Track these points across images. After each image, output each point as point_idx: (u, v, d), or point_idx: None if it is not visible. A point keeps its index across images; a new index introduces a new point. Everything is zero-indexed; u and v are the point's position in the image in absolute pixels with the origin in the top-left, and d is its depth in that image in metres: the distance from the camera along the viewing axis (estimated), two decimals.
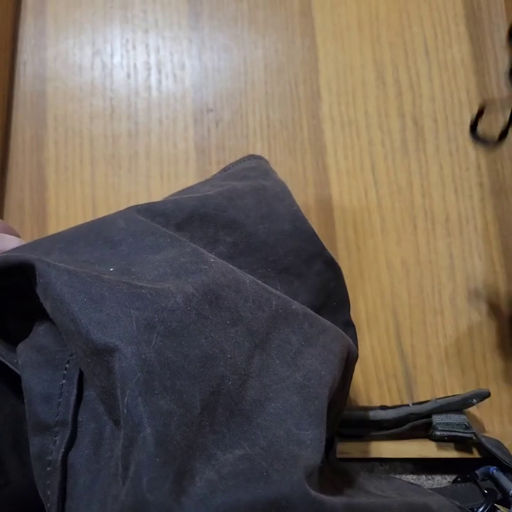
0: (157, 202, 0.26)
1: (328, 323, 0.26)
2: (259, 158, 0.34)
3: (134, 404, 0.17)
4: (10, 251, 0.23)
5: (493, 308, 0.41)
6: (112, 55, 0.46)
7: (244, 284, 0.23)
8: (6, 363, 0.21)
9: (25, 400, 0.19)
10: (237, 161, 0.34)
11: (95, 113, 0.45)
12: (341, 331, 0.26)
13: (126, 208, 0.26)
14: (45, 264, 0.20)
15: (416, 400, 0.39)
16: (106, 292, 0.19)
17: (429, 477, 0.37)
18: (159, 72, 0.46)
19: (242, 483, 0.17)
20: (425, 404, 0.35)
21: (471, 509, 0.31)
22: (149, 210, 0.25)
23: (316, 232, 0.29)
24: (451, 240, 0.42)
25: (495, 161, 0.43)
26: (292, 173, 0.44)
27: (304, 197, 0.43)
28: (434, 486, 0.36)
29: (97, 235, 0.24)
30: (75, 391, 0.19)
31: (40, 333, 0.21)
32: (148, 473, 0.16)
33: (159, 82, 0.46)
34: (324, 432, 0.21)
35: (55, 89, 0.46)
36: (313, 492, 0.17)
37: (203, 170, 0.44)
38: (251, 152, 0.44)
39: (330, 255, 0.29)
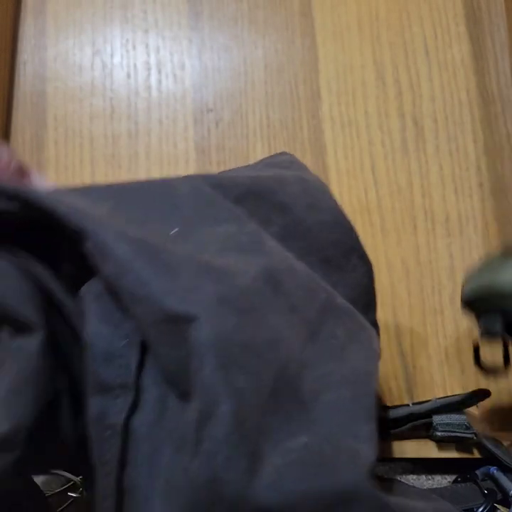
0: (217, 174, 0.26)
1: (364, 320, 0.26)
2: (292, 155, 0.34)
3: (213, 377, 0.16)
4: (62, 198, 0.20)
5: None
6: (111, 55, 0.46)
7: (298, 272, 0.23)
8: (69, 315, 0.20)
9: (85, 356, 0.18)
10: (273, 155, 0.34)
11: (95, 113, 0.45)
12: (374, 332, 0.26)
13: (190, 175, 0.25)
14: (104, 230, 0.18)
15: (416, 400, 0.39)
16: (180, 261, 0.19)
17: (429, 477, 0.37)
18: (159, 72, 0.46)
19: (309, 471, 0.17)
20: (425, 404, 0.35)
21: (471, 509, 0.31)
22: (212, 180, 0.25)
23: None
24: (451, 240, 0.42)
25: (495, 160, 0.43)
26: None
27: None
28: (434, 486, 0.36)
29: (158, 192, 0.23)
30: (137, 353, 0.18)
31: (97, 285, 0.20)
32: (224, 450, 0.16)
33: (159, 82, 0.46)
34: (376, 429, 0.20)
35: (55, 89, 0.46)
36: (377, 489, 0.17)
37: (203, 170, 0.44)
38: (251, 152, 0.44)
39: (364, 251, 0.29)
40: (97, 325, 0.18)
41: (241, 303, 0.19)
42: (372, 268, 0.30)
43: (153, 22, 0.47)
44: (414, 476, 0.37)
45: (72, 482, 0.35)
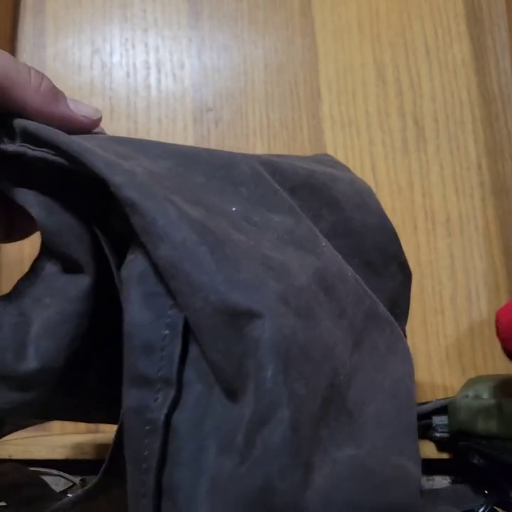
0: (277, 161, 0.24)
1: (401, 332, 0.25)
2: (334, 157, 0.34)
3: (274, 380, 0.15)
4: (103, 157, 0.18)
5: (494, 308, 0.41)
6: (111, 54, 0.46)
7: (347, 276, 0.22)
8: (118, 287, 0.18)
9: (125, 344, 0.17)
10: (314, 155, 0.33)
11: None
12: (407, 344, 0.25)
13: (249, 155, 0.24)
14: (162, 206, 0.17)
15: (416, 400, 0.39)
16: (241, 255, 0.17)
17: (430, 478, 0.37)
18: (159, 71, 0.46)
19: (360, 486, 0.16)
20: (425, 405, 0.35)
21: (471, 510, 0.31)
22: (271, 165, 0.23)
23: None
24: (451, 240, 0.42)
25: (496, 160, 0.43)
26: None
27: None
28: (435, 487, 0.36)
29: (217, 163, 0.22)
30: (179, 345, 0.17)
31: (139, 263, 0.18)
32: (280, 458, 0.15)
33: (159, 81, 0.46)
34: (418, 447, 0.20)
35: None
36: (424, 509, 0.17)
37: None
38: (251, 152, 0.44)
39: (405, 260, 0.28)
40: (137, 313, 0.17)
41: (300, 304, 0.18)
42: (411, 279, 0.29)
43: (152, 21, 0.47)
44: None
45: (72, 484, 0.35)
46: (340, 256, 0.23)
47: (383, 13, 0.46)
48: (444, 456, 0.35)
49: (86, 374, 0.21)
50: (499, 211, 0.42)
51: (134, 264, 0.17)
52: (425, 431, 0.35)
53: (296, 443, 0.15)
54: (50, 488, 0.26)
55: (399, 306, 0.29)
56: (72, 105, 0.23)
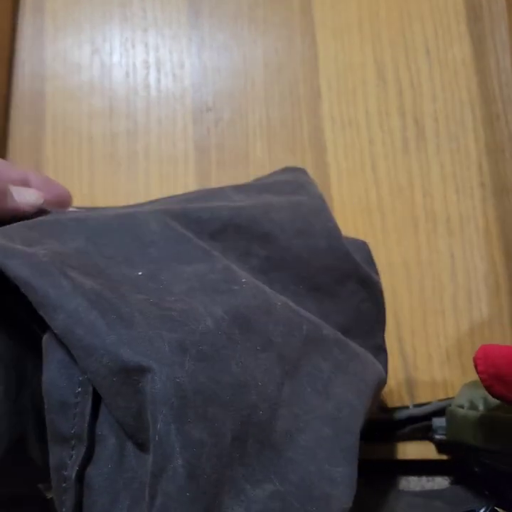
0: (191, 207, 0.25)
1: (359, 349, 0.25)
2: (297, 170, 0.33)
3: (166, 431, 0.16)
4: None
5: (495, 309, 0.41)
6: (110, 54, 0.46)
7: (275, 307, 0.22)
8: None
9: (44, 403, 0.18)
10: (274, 172, 0.33)
11: (94, 112, 0.45)
12: (372, 358, 0.25)
13: (158, 211, 0.24)
14: (56, 283, 0.18)
15: (416, 401, 0.39)
16: (135, 313, 0.18)
17: (430, 478, 0.37)
18: (158, 70, 0.46)
19: None
20: (425, 406, 0.35)
21: (472, 511, 0.31)
22: (184, 217, 0.24)
23: None
24: (452, 240, 0.42)
25: (496, 160, 0.43)
26: None
27: None
28: (435, 488, 0.36)
29: (127, 230, 0.22)
30: (90, 401, 0.18)
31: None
32: (176, 507, 0.15)
33: (158, 81, 0.45)
34: (356, 470, 0.20)
35: (54, 89, 0.46)
36: None
37: (202, 169, 0.44)
38: (251, 151, 0.44)
39: (366, 274, 0.28)
40: (53, 373, 0.18)
41: (201, 349, 0.18)
42: (377, 291, 0.29)
43: (152, 20, 0.47)
44: (415, 477, 0.37)
45: None
46: (268, 289, 0.23)
47: (383, 12, 0.46)
48: (445, 457, 0.35)
49: (28, 448, 0.21)
50: (500, 211, 0.42)
51: (49, 333, 0.18)
52: (425, 432, 0.35)
53: (194, 490, 0.15)
54: None
55: (366, 320, 0.28)
56: (16, 195, 0.23)
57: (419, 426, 0.35)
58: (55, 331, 0.17)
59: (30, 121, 0.45)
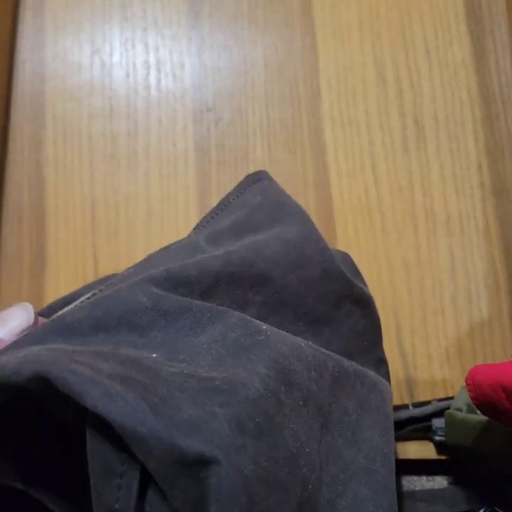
0: (175, 268, 0.22)
1: (371, 373, 0.24)
2: (258, 177, 0.30)
3: None
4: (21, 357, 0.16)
5: (495, 309, 0.41)
6: (111, 54, 0.46)
7: (303, 349, 0.20)
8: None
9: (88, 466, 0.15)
10: (237, 190, 0.29)
11: (94, 112, 0.45)
12: (380, 378, 0.24)
13: (140, 280, 0.21)
14: (76, 377, 0.15)
15: (416, 401, 0.39)
16: (175, 392, 0.15)
17: (430, 478, 0.36)
18: (158, 71, 0.46)
19: None
20: (425, 407, 0.35)
21: (471, 511, 0.31)
22: (169, 280, 0.21)
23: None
24: (452, 240, 0.42)
25: (496, 160, 0.43)
26: (292, 173, 0.44)
27: (304, 197, 0.43)
28: (435, 487, 0.36)
29: (118, 320, 0.19)
30: (138, 473, 0.15)
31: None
32: None
33: (158, 81, 0.45)
34: None
35: (54, 88, 0.46)
36: None
37: (202, 169, 0.44)
38: (251, 151, 0.44)
39: (359, 291, 0.27)
40: (97, 443, 0.15)
41: (258, 419, 0.16)
42: (370, 306, 0.28)
43: (152, 21, 0.47)
44: (415, 477, 0.37)
45: None
46: (286, 333, 0.21)
47: (383, 12, 0.46)
48: (445, 457, 0.35)
49: None
50: (499, 211, 0.42)
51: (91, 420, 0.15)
52: (425, 432, 0.35)
53: None
54: None
55: (364, 338, 0.28)
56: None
57: (419, 427, 0.35)
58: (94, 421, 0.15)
59: (31, 121, 0.45)
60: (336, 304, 0.26)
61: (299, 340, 0.21)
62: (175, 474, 0.14)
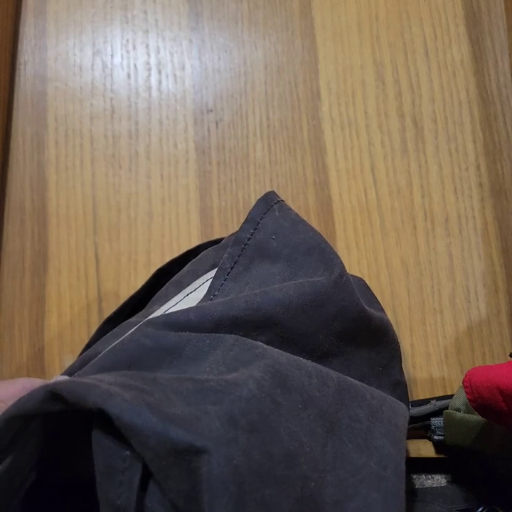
0: (175, 313, 0.22)
1: (382, 393, 0.24)
2: (269, 202, 0.28)
3: None
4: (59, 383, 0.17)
5: (493, 308, 0.41)
6: (112, 56, 0.46)
7: (301, 361, 0.21)
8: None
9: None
10: (250, 223, 0.27)
11: (95, 113, 0.45)
12: (395, 399, 0.24)
13: (142, 325, 0.22)
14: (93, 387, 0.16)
15: (415, 399, 0.39)
16: (171, 394, 0.16)
17: (429, 476, 0.37)
18: (159, 72, 0.46)
19: None
20: (424, 407, 0.35)
21: (470, 509, 0.31)
22: (168, 325, 0.22)
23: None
24: (450, 240, 0.42)
25: (494, 161, 0.43)
26: (292, 173, 0.44)
27: (304, 197, 0.43)
28: (434, 486, 0.36)
29: (128, 367, 0.20)
30: (140, 469, 0.16)
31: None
32: None
33: (159, 82, 0.46)
34: None
35: (56, 90, 0.46)
36: None
37: (203, 170, 0.44)
38: (251, 152, 0.44)
39: (377, 324, 0.26)
40: (100, 433, 0.16)
41: (249, 418, 0.16)
42: (390, 333, 0.28)
43: (153, 22, 0.47)
44: (414, 476, 0.37)
45: None
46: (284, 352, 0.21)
47: (383, 14, 0.46)
48: (444, 455, 0.35)
49: None
50: (498, 211, 0.43)
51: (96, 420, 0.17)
52: (424, 432, 0.35)
53: None
54: None
55: (380, 364, 0.27)
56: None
57: (418, 426, 0.35)
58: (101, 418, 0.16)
59: (32, 122, 0.45)
60: (350, 340, 0.26)
61: (297, 356, 0.21)
62: (168, 465, 0.15)
